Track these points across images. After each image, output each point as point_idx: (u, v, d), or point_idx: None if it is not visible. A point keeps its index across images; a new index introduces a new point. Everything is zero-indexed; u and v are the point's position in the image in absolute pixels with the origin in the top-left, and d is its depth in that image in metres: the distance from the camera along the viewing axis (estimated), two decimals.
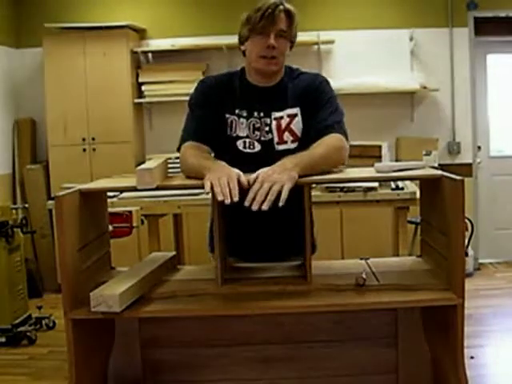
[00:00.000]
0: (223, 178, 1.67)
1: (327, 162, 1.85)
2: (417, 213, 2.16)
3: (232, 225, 2.00)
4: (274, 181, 1.66)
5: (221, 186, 1.65)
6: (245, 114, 2.07)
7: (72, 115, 5.13)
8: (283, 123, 2.05)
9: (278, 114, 2.06)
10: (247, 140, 2.06)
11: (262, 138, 2.06)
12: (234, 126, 2.07)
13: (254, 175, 1.70)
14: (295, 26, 2.04)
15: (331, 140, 1.93)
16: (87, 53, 5.11)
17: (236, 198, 1.63)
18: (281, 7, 1.98)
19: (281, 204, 1.64)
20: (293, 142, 2.05)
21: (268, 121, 2.06)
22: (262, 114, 2.06)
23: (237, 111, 2.07)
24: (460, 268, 1.64)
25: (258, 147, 2.06)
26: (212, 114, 2.06)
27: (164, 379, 1.99)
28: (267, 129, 2.06)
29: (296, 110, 2.06)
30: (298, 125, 2.06)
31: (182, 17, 5.39)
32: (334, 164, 1.89)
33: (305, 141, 2.00)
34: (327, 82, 2.10)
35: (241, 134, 2.07)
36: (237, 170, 1.72)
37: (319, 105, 2.03)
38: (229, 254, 2.08)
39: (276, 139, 2.05)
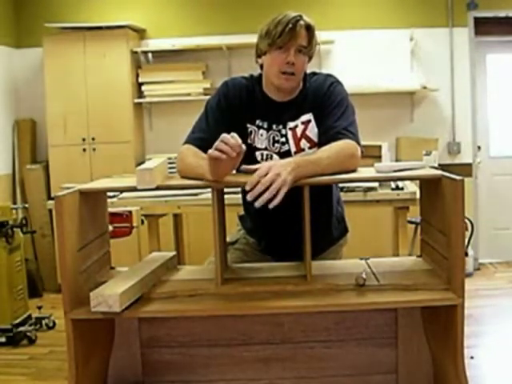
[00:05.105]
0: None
1: (335, 170, 1.79)
2: (417, 213, 2.15)
3: (264, 225, 2.11)
4: (273, 179, 1.62)
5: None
6: (265, 126, 2.06)
7: (72, 115, 5.12)
8: (298, 131, 2.04)
9: (292, 124, 2.04)
10: (265, 152, 2.06)
11: (281, 151, 2.05)
12: (253, 136, 2.06)
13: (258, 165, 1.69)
14: (314, 42, 2.00)
15: (342, 147, 1.87)
16: (87, 53, 5.11)
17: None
18: (301, 22, 1.95)
19: (271, 206, 1.61)
20: (310, 148, 2.03)
21: (284, 132, 2.05)
22: (280, 127, 2.05)
23: (257, 122, 2.06)
24: (460, 268, 1.64)
25: (276, 159, 2.02)
26: (230, 121, 2.03)
27: (164, 379, 1.99)
28: (284, 140, 2.05)
29: (309, 116, 2.04)
30: (313, 130, 2.03)
31: (182, 17, 5.38)
32: (343, 171, 1.82)
33: (322, 145, 1.94)
34: (337, 83, 2.06)
35: (259, 146, 2.06)
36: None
37: (328, 109, 1.99)
38: (264, 252, 2.23)
39: (293, 149, 2.04)
